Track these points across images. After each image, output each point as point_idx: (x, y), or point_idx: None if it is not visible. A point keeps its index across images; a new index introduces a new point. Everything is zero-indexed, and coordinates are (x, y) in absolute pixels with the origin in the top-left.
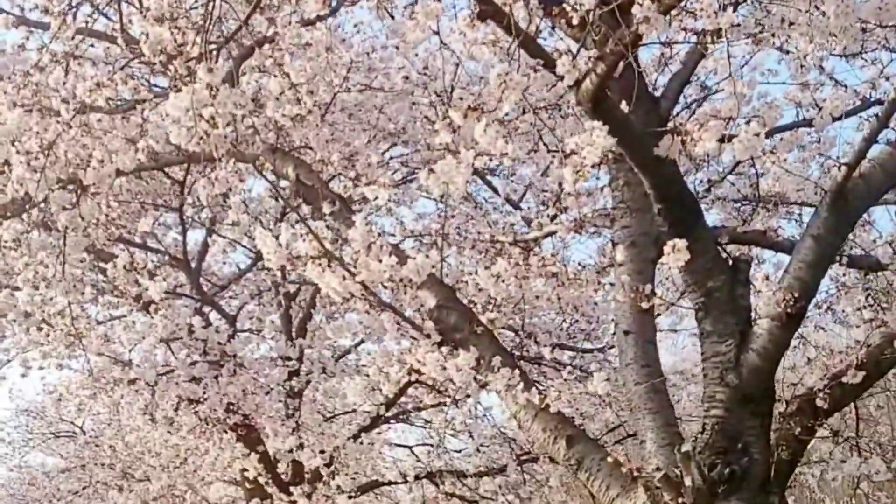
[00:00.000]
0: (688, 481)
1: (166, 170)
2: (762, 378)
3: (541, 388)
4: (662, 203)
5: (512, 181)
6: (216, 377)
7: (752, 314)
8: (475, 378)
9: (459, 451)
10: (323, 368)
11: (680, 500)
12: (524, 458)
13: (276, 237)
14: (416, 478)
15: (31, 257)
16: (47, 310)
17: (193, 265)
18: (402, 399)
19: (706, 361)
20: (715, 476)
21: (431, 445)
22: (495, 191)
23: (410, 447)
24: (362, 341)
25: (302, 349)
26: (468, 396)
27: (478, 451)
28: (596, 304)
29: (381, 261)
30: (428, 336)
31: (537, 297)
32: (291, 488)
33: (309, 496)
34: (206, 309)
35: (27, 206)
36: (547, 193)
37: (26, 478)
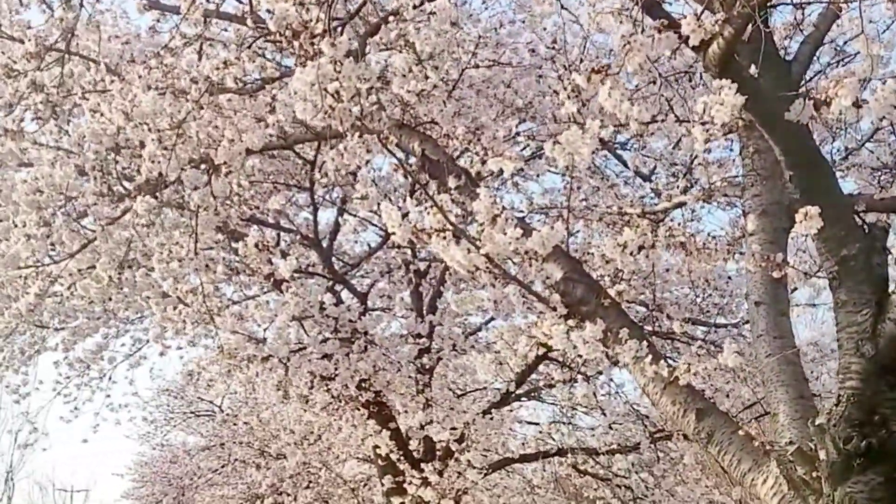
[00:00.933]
0: (822, 455)
1: (297, 149)
2: None
3: (670, 361)
4: (794, 169)
5: (642, 154)
6: (347, 354)
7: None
8: (605, 353)
9: (592, 429)
10: (453, 345)
11: (814, 474)
12: (657, 435)
13: (404, 213)
14: (546, 455)
15: (164, 237)
16: (181, 287)
17: (325, 244)
18: (533, 376)
19: (841, 332)
20: (851, 450)
21: (562, 422)
22: (624, 164)
23: (540, 424)
24: (492, 319)
25: (432, 326)
26: (600, 373)
27: (610, 428)
28: (730, 277)
29: (505, 233)
30: (554, 309)
31: (667, 271)
32: (423, 465)
33: (440, 473)
34: (337, 287)
35: (160, 186)
36: (678, 166)
37: (168, 455)
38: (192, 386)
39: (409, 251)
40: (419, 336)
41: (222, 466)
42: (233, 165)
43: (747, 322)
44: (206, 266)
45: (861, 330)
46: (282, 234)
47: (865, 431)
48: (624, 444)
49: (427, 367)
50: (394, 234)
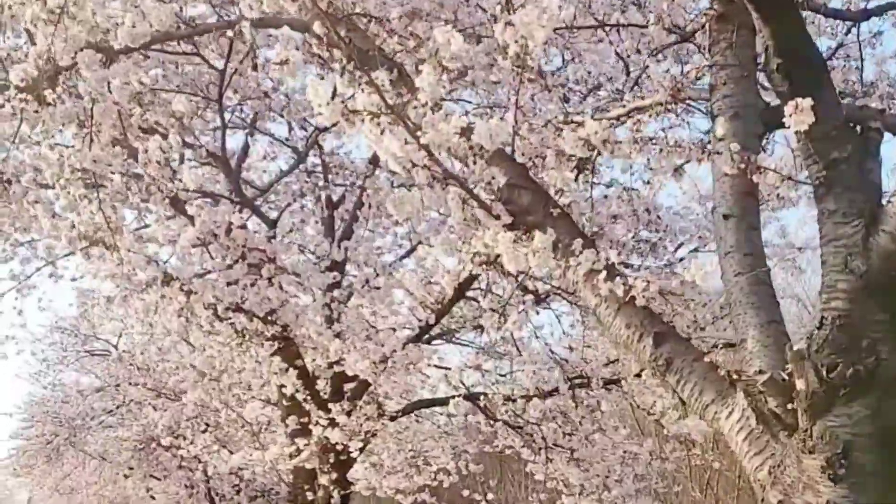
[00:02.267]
0: (800, 385)
1: (205, 56)
2: (894, 264)
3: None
4: (783, 58)
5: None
6: (254, 283)
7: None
8: (525, 289)
9: (504, 375)
10: (366, 280)
11: (788, 406)
12: (576, 381)
13: (333, 91)
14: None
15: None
16: (73, 192)
17: (233, 165)
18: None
19: (826, 246)
20: (835, 378)
21: (473, 367)
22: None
23: (450, 369)
24: (407, 254)
25: (345, 256)
26: (520, 312)
27: (533, 373)
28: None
29: (449, 122)
30: (497, 217)
31: (605, 197)
32: (330, 405)
33: (349, 414)
34: (244, 214)
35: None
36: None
37: (60, 396)
38: (86, 321)
39: (321, 176)
40: (333, 265)
41: (117, 407)
42: (134, 53)
43: (682, 260)
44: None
45: (851, 244)
46: (186, 151)
47: (852, 358)
48: (540, 389)
49: (339, 300)
50: (320, 114)
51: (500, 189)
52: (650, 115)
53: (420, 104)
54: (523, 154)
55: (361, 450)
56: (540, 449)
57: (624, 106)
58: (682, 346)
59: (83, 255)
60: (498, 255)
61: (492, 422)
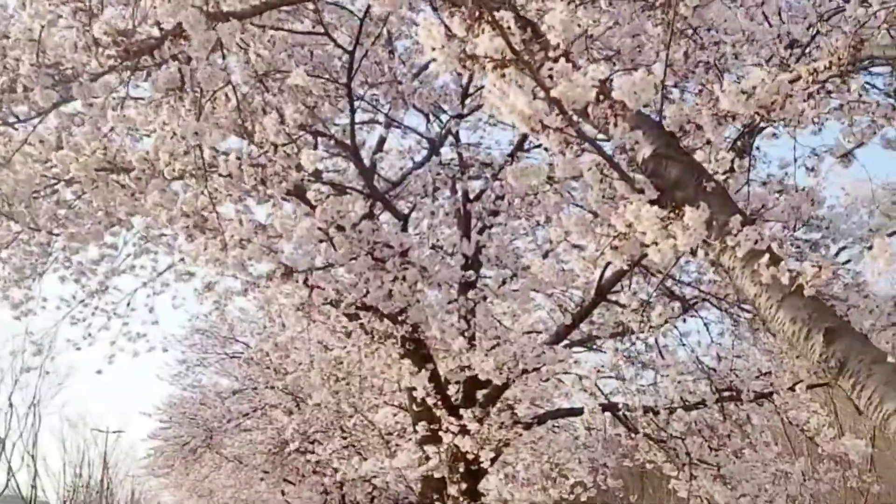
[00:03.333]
0: None
1: (334, 37)
2: None
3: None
4: None
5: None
6: (380, 278)
7: None
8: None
9: (646, 386)
10: (503, 281)
11: None
12: (724, 393)
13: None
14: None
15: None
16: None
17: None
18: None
19: None
20: None
21: (613, 376)
22: None
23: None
24: (546, 255)
25: (480, 255)
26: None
27: (676, 383)
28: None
29: (586, 73)
30: (640, 192)
31: (764, 184)
32: (462, 412)
33: (480, 421)
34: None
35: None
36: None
37: (198, 397)
38: (225, 325)
39: (457, 169)
40: (467, 264)
41: (253, 410)
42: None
43: (846, 263)
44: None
45: None
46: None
47: None
48: (685, 401)
49: (474, 300)
50: (434, 60)
51: (644, 160)
52: (826, 77)
53: (552, 50)
54: (672, 120)
55: (493, 460)
56: (684, 464)
57: (792, 71)
58: (858, 343)
59: (185, 236)
60: (643, 255)
61: (632, 434)
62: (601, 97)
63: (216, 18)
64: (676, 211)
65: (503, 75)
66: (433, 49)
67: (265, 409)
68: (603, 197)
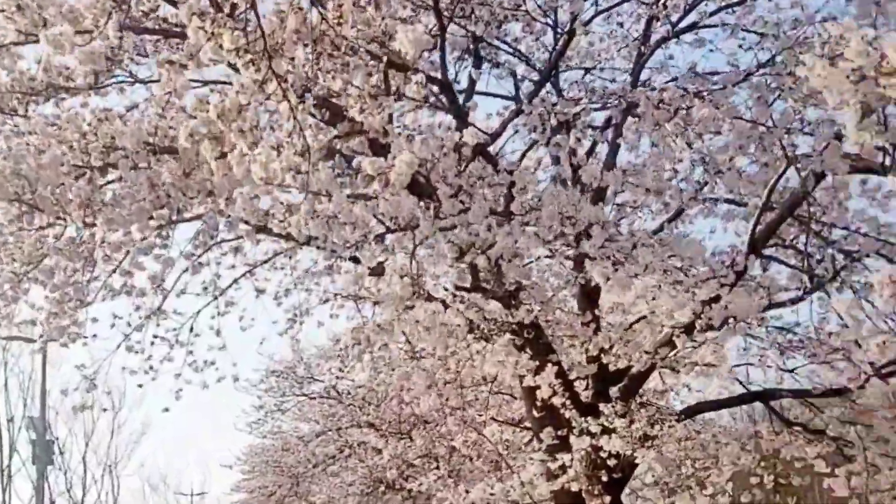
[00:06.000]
0: None
1: None
2: None
3: None
4: None
5: None
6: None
7: None
8: None
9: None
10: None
11: None
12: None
13: None
14: (743, 400)
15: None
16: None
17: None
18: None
19: None
20: None
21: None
22: None
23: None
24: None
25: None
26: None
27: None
28: None
29: None
30: None
31: None
32: (601, 407)
33: (623, 415)
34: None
35: None
36: None
37: (279, 444)
38: (301, 365)
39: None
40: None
41: (340, 451)
42: None
43: None
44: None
45: None
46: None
47: None
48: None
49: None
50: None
51: None
52: None
53: None
54: None
55: (633, 466)
56: (848, 457)
57: None
58: None
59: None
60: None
61: (788, 427)
62: None
63: None
64: None
65: None
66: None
67: (354, 449)
68: None
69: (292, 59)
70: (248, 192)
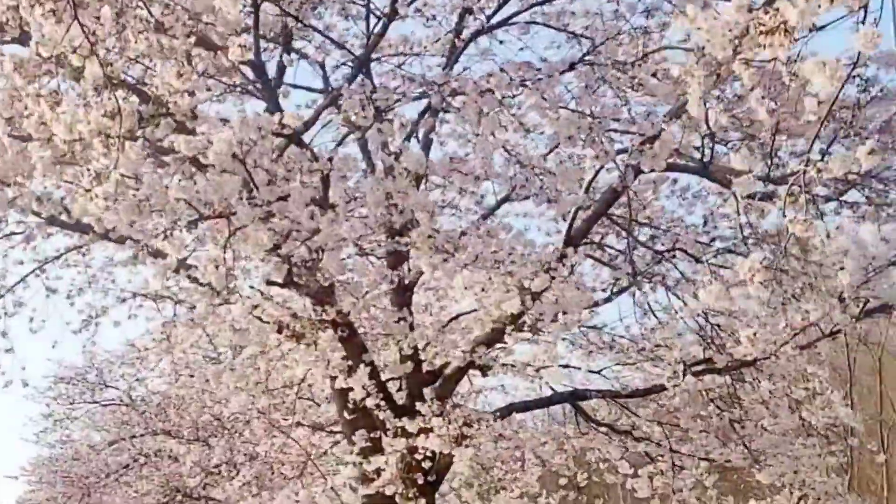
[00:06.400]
0: None
1: None
2: None
3: None
4: None
5: None
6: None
7: None
8: None
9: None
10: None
11: None
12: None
13: None
14: (553, 401)
15: None
16: None
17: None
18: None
19: None
20: None
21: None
22: None
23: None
24: (491, 213)
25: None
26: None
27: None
28: None
29: None
30: None
31: None
32: (419, 406)
33: (440, 415)
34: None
35: None
36: None
37: (70, 454)
38: (93, 369)
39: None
40: (392, 228)
41: (134, 460)
42: None
43: None
44: None
45: None
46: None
47: None
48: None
49: (407, 282)
50: None
51: None
52: None
53: None
54: None
55: (447, 468)
56: (653, 458)
57: None
58: None
59: None
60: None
61: (595, 428)
62: None
63: None
64: None
65: None
66: None
67: (149, 458)
68: None
69: (98, 17)
70: (41, 174)
